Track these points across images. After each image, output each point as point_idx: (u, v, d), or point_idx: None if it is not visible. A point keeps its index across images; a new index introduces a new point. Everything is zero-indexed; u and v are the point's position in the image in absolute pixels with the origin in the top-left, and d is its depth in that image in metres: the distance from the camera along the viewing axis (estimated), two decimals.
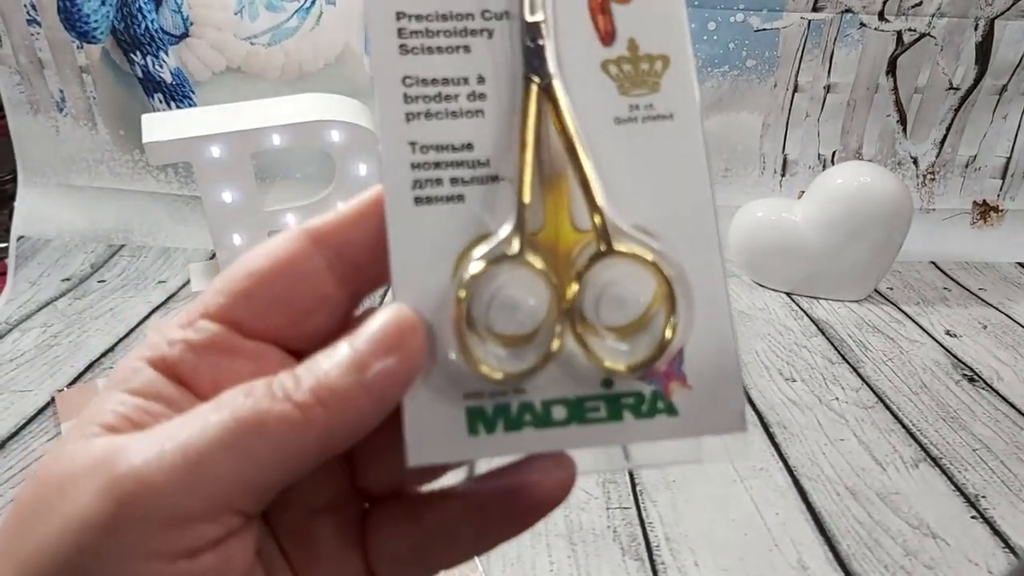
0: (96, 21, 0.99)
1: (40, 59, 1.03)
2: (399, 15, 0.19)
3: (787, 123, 1.10)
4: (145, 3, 0.99)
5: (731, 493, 0.61)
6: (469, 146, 0.19)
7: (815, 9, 1.03)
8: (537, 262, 0.19)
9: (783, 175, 1.13)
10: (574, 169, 0.19)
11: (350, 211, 0.19)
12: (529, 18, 0.20)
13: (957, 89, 1.08)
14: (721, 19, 1.02)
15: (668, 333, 0.19)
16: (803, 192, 0.97)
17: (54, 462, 0.17)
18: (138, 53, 1.01)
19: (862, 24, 1.04)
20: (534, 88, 0.19)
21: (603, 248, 0.19)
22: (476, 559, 0.52)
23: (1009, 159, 1.13)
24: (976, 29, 1.04)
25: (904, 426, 0.70)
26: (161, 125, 0.80)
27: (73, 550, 0.16)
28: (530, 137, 0.19)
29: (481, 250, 0.19)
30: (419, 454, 0.18)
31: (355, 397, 0.17)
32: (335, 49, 1.03)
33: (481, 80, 0.19)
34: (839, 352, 0.83)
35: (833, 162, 1.11)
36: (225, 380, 0.18)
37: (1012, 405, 0.74)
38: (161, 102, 1.04)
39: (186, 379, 0.18)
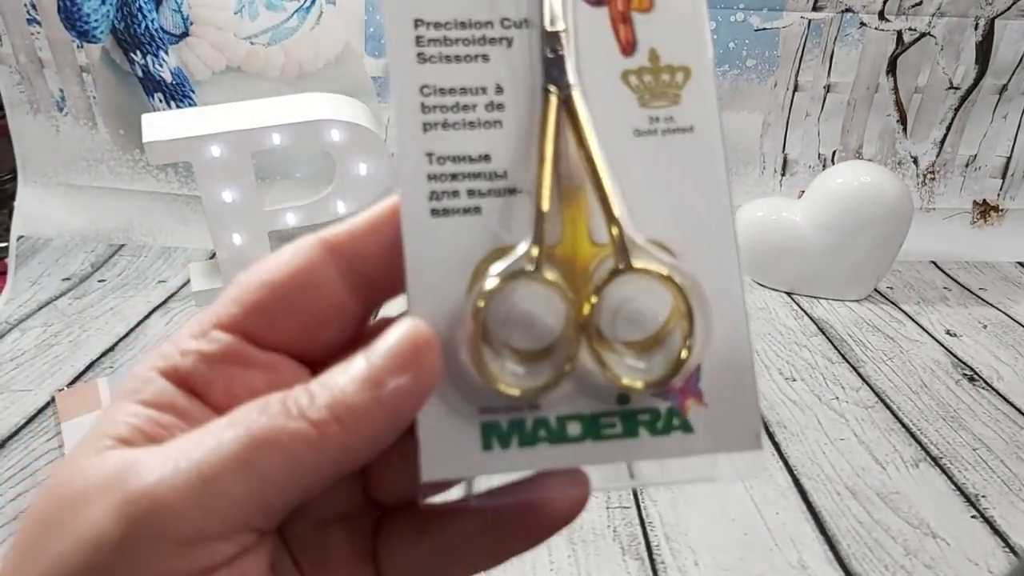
0: (96, 20, 0.99)
1: (40, 59, 1.02)
2: (417, 22, 0.19)
3: (787, 122, 1.10)
4: (145, 2, 0.98)
5: (731, 493, 0.61)
6: (487, 157, 0.19)
7: (815, 8, 1.03)
8: (554, 277, 0.18)
9: (783, 174, 1.13)
10: (592, 182, 0.19)
11: (365, 221, 0.19)
12: (550, 28, 0.19)
13: (957, 89, 1.08)
14: (721, 18, 1.02)
15: (685, 351, 0.18)
16: (803, 192, 0.97)
17: (67, 476, 0.17)
18: (138, 52, 1.01)
19: (862, 23, 1.04)
20: (553, 99, 0.19)
21: (621, 265, 0.19)
22: None
23: (1009, 159, 1.13)
24: (976, 29, 1.04)
25: (904, 426, 0.70)
26: (161, 125, 0.80)
27: (85, 569, 0.15)
28: (548, 149, 0.19)
29: (499, 265, 0.18)
30: (433, 469, 0.18)
31: (371, 414, 0.16)
32: (335, 49, 1.03)
33: (499, 90, 0.19)
34: (839, 352, 0.83)
35: (833, 161, 1.11)
36: (238, 391, 0.18)
37: (1012, 405, 0.74)
38: (161, 102, 1.04)
39: (199, 390, 0.18)
